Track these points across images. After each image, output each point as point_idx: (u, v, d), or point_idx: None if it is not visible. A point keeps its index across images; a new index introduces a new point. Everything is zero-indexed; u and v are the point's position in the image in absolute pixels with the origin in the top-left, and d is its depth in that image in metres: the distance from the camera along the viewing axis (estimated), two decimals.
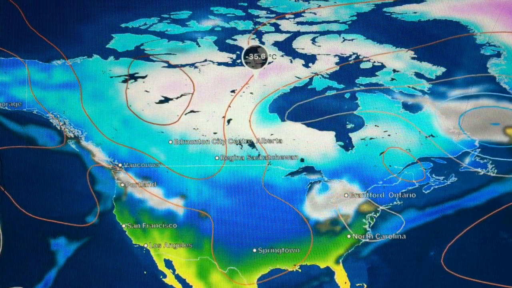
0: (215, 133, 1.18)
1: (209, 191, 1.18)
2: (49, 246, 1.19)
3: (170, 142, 1.18)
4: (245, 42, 1.18)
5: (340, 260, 1.17)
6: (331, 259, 1.17)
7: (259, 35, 1.18)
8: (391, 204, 1.16)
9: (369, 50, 1.16)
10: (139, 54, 1.18)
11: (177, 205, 1.18)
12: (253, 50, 1.18)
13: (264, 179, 1.17)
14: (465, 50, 1.15)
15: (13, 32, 1.19)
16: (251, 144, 1.18)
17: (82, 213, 1.19)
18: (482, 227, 1.15)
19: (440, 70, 1.15)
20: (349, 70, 1.17)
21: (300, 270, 1.18)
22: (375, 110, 1.17)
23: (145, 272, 1.19)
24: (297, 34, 1.18)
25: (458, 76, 1.15)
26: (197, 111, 1.19)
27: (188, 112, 1.19)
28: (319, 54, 1.17)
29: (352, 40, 1.17)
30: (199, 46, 1.18)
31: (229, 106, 1.18)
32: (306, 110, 1.17)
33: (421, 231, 1.15)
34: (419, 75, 1.16)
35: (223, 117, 1.18)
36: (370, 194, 1.16)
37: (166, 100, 1.19)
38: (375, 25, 1.16)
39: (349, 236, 1.17)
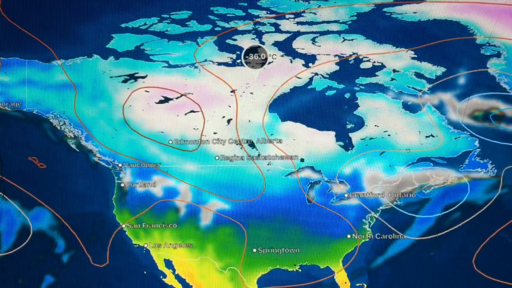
0: (215, 133, 1.18)
1: (210, 191, 1.18)
2: (49, 246, 1.19)
3: (170, 142, 1.18)
4: (245, 41, 1.18)
5: (340, 260, 1.17)
6: (331, 259, 1.17)
7: (259, 35, 1.18)
8: (391, 204, 1.16)
9: (369, 50, 1.16)
10: (139, 53, 1.19)
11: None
12: (253, 50, 1.18)
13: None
14: (465, 50, 1.15)
15: (13, 32, 1.19)
16: (251, 144, 1.18)
17: (82, 214, 1.19)
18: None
19: (440, 70, 1.15)
20: (349, 70, 1.17)
21: (300, 270, 1.18)
22: (375, 110, 1.17)
23: (145, 272, 1.19)
24: (297, 34, 1.18)
25: (457, 76, 1.15)
26: (197, 111, 1.19)
27: (188, 112, 1.19)
28: (319, 54, 1.18)
29: (352, 40, 1.17)
30: (199, 46, 1.18)
31: (230, 106, 1.18)
32: (306, 110, 1.17)
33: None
34: (419, 75, 1.16)
35: (224, 117, 1.18)
36: (370, 194, 1.16)
37: (166, 100, 1.19)
38: (375, 25, 1.16)
39: (349, 236, 1.17)
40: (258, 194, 1.17)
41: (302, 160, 1.17)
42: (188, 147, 1.18)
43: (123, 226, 1.19)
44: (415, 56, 1.16)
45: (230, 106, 1.18)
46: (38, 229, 1.19)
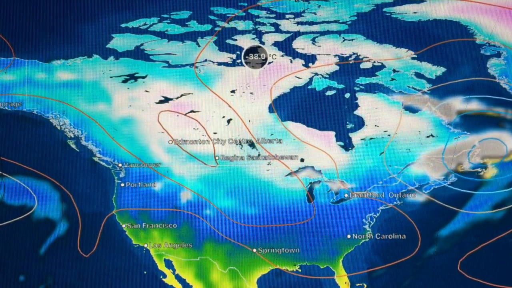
0: (215, 133, 1.18)
1: (210, 191, 1.18)
2: (49, 246, 1.19)
3: (170, 142, 1.18)
4: (245, 41, 1.18)
5: (340, 260, 1.17)
6: (331, 259, 1.17)
7: (259, 35, 1.18)
8: (391, 204, 1.16)
9: (369, 50, 1.16)
10: (139, 53, 1.19)
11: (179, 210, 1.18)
12: (253, 50, 1.18)
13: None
14: (465, 50, 1.15)
15: (13, 32, 1.19)
16: (251, 144, 1.18)
17: (82, 214, 1.19)
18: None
19: (440, 70, 1.15)
20: (349, 70, 1.17)
21: (300, 270, 1.18)
22: (375, 110, 1.17)
23: (145, 272, 1.19)
24: (297, 34, 1.18)
25: (457, 76, 1.15)
26: (197, 111, 1.19)
27: (188, 112, 1.19)
28: (319, 54, 1.18)
29: (352, 40, 1.17)
30: (199, 46, 1.18)
31: (230, 106, 1.18)
32: (306, 110, 1.17)
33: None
34: (419, 75, 1.16)
35: (224, 117, 1.18)
36: (370, 194, 1.16)
37: (166, 100, 1.19)
38: (375, 25, 1.16)
39: (349, 236, 1.17)
40: (259, 194, 1.17)
41: (302, 160, 1.17)
42: (188, 147, 1.18)
43: (123, 226, 1.19)
44: (415, 56, 1.16)
45: (230, 106, 1.18)
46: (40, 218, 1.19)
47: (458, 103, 1.15)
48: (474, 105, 1.15)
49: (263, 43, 1.18)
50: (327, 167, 1.17)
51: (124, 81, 1.19)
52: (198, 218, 1.18)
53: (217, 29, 1.18)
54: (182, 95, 1.19)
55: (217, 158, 1.18)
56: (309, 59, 1.18)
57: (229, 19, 1.17)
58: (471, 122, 1.15)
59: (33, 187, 1.19)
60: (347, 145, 1.17)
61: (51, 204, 1.19)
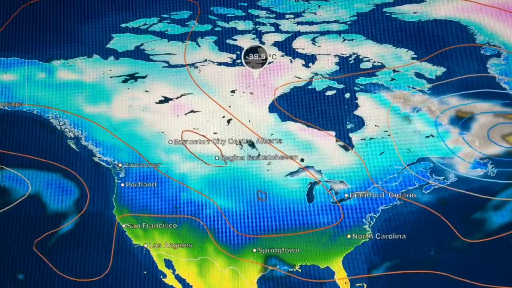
0: (215, 133, 1.18)
1: (210, 191, 1.18)
2: (48, 246, 1.19)
3: (170, 142, 1.18)
4: (245, 41, 1.18)
5: (340, 260, 1.17)
6: (331, 259, 1.17)
7: (259, 35, 1.18)
8: (391, 204, 1.16)
9: (369, 50, 1.16)
10: (139, 53, 1.19)
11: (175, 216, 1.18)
12: (253, 50, 1.18)
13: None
14: (465, 50, 1.15)
15: (14, 32, 1.19)
16: (251, 144, 1.18)
17: (84, 213, 1.19)
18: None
19: (440, 70, 1.15)
20: (349, 70, 1.17)
21: (300, 270, 1.18)
22: (375, 110, 1.17)
23: (145, 272, 1.19)
24: (297, 34, 1.18)
25: (457, 76, 1.15)
26: (197, 111, 1.19)
27: (188, 112, 1.19)
28: (319, 54, 1.18)
29: (352, 40, 1.17)
30: (199, 46, 1.18)
31: (230, 106, 1.18)
32: (306, 110, 1.17)
33: (422, 232, 1.16)
34: (419, 75, 1.16)
35: (224, 117, 1.18)
36: (370, 194, 1.16)
37: (166, 100, 1.19)
38: (375, 25, 1.16)
39: (349, 236, 1.17)
40: (258, 194, 1.17)
41: (302, 160, 1.17)
42: (188, 147, 1.18)
43: (123, 226, 1.19)
44: (415, 56, 1.16)
45: (230, 106, 1.18)
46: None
47: (458, 103, 1.15)
48: (474, 105, 1.15)
49: (263, 43, 1.18)
50: (327, 167, 1.17)
51: (124, 81, 1.19)
52: (198, 218, 1.18)
53: (217, 29, 1.18)
54: (182, 95, 1.19)
55: (216, 158, 1.18)
56: (309, 59, 1.18)
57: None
58: (470, 121, 1.15)
59: (34, 184, 1.19)
60: (347, 145, 1.17)
61: (52, 203, 1.19)
